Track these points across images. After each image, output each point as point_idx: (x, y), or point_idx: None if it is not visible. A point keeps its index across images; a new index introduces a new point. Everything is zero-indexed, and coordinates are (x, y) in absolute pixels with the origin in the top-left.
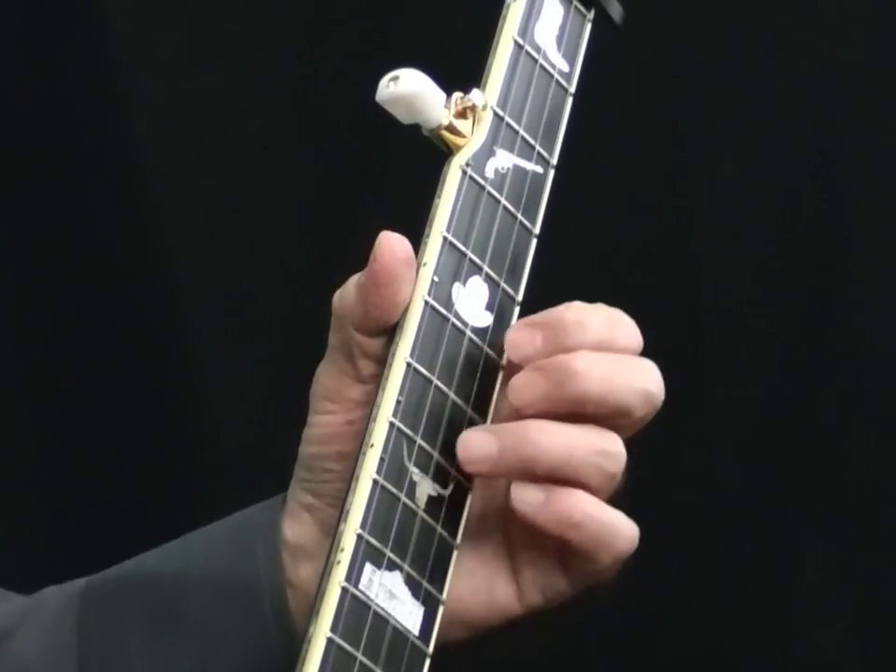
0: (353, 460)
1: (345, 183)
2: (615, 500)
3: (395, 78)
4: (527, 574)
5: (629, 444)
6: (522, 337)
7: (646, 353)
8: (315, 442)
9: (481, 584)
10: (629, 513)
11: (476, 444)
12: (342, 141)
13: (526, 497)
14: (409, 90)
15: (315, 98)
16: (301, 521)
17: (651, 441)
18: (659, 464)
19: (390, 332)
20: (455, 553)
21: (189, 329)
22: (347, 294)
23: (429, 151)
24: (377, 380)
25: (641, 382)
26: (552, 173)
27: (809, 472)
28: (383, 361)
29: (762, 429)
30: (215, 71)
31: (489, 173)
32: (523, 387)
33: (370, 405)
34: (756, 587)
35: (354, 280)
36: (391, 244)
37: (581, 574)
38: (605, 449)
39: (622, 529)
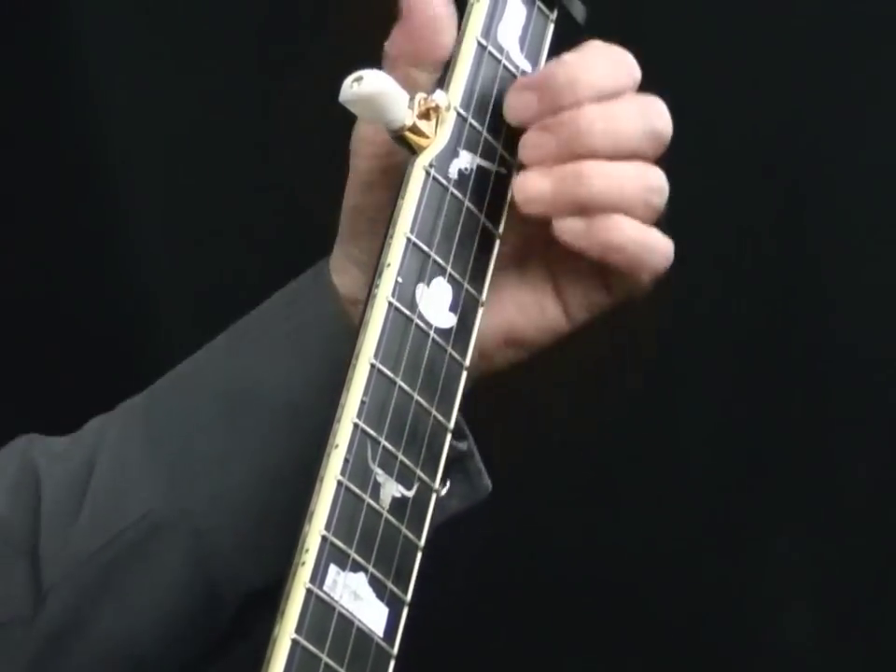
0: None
1: (312, 182)
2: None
3: (358, 79)
4: (572, 293)
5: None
6: (517, 100)
7: (617, 348)
8: (356, 193)
9: (530, 306)
10: None
11: (532, 186)
12: (307, 143)
13: (569, 226)
14: (372, 90)
15: (277, 97)
16: (351, 274)
17: (621, 427)
18: (630, 453)
19: (438, 67)
20: (419, 555)
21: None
22: (394, 33)
23: None
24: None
25: (647, 123)
26: (515, 174)
27: (777, 462)
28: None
29: (731, 419)
30: (181, 65)
31: (453, 173)
32: (533, 146)
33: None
34: (724, 574)
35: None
36: None
37: (621, 290)
38: (652, 185)
39: (659, 247)
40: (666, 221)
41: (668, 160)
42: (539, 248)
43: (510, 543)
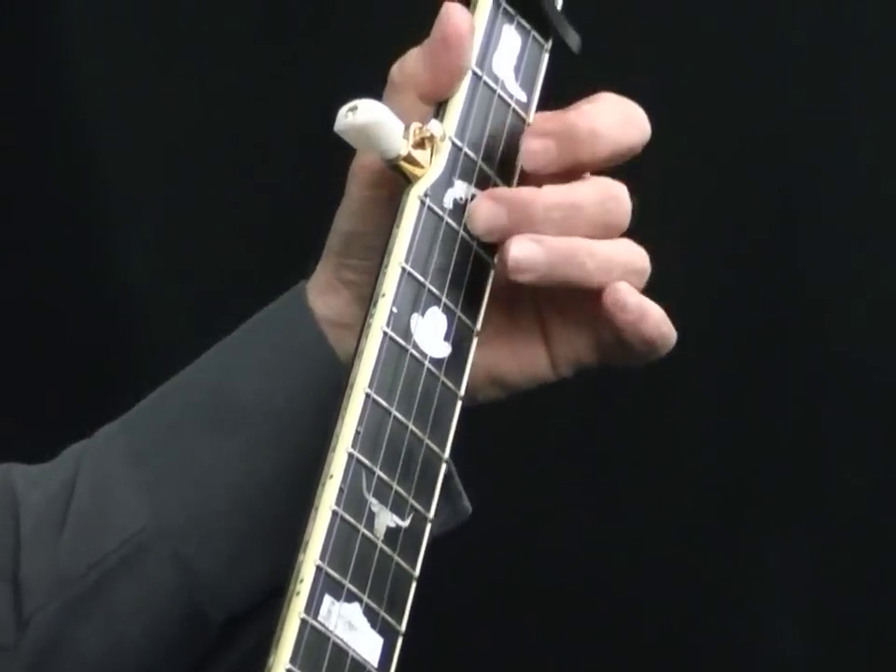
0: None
1: (302, 194)
2: None
3: (353, 109)
4: (560, 345)
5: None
6: (535, 145)
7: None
8: (352, 219)
9: (520, 349)
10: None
11: (526, 253)
12: (304, 147)
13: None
14: (367, 120)
15: (271, 125)
16: (340, 296)
17: (619, 436)
18: (624, 463)
19: (439, 107)
20: (413, 584)
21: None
22: (410, 61)
23: None
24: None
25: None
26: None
27: (772, 472)
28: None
29: (726, 429)
30: (170, 69)
31: (447, 203)
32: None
33: None
34: (718, 584)
35: (415, 50)
36: (457, 11)
37: (613, 353)
38: (637, 268)
39: (653, 315)
40: (664, 227)
41: (665, 170)
42: (529, 294)
43: (502, 563)
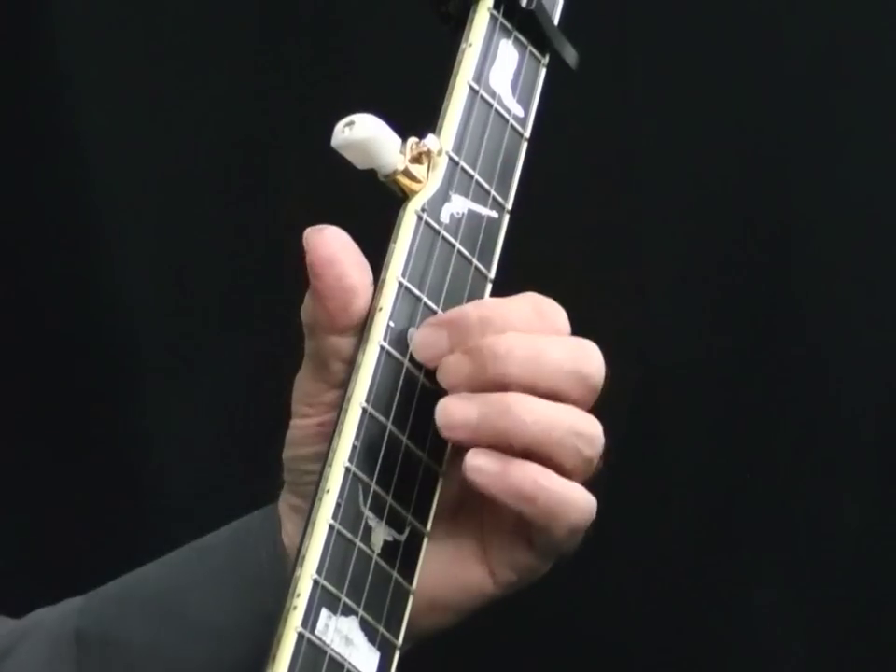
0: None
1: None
2: (591, 485)
3: (350, 124)
4: (494, 553)
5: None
6: (427, 336)
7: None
8: (293, 445)
9: (455, 570)
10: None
11: (456, 410)
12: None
13: (482, 466)
14: (364, 135)
15: (264, 139)
16: (293, 522)
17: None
18: (612, 498)
19: (357, 330)
20: (410, 598)
21: (137, 366)
22: (307, 302)
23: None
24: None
25: (574, 363)
26: (506, 217)
27: (762, 505)
28: (353, 361)
29: (714, 461)
30: (162, 76)
31: (444, 218)
32: (449, 370)
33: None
34: (708, 620)
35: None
36: (319, 235)
37: (543, 547)
38: (584, 431)
39: (576, 500)
40: (656, 251)
41: (652, 190)
42: (474, 509)
43: None
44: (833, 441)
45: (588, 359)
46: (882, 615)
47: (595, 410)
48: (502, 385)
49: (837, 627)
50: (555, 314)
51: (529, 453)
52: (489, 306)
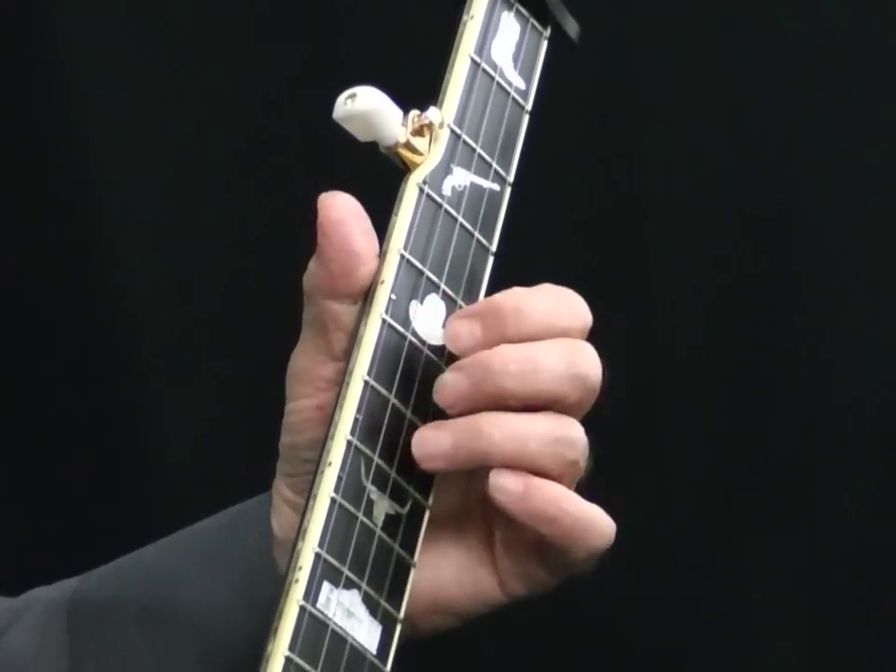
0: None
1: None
2: (581, 487)
3: (352, 96)
4: (507, 564)
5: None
6: (461, 328)
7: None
8: (290, 431)
9: (465, 574)
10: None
11: (429, 441)
12: (294, 157)
13: (505, 486)
14: (366, 107)
15: (269, 115)
16: (284, 515)
17: (605, 450)
18: (612, 487)
19: (358, 300)
20: (412, 572)
21: (138, 359)
22: (311, 266)
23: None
24: (349, 356)
25: (570, 366)
26: (508, 190)
27: (762, 505)
28: (355, 334)
29: (714, 452)
30: (167, 76)
31: (446, 190)
32: (444, 388)
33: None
34: (707, 608)
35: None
36: (332, 199)
37: (558, 565)
38: (562, 436)
39: (597, 525)
40: (655, 252)
41: (657, 177)
42: (480, 512)
43: None
44: (832, 440)
45: (583, 360)
46: (882, 614)
47: (595, 410)
48: (501, 401)
49: (837, 627)
50: (580, 304)
51: (514, 467)
52: (520, 295)
